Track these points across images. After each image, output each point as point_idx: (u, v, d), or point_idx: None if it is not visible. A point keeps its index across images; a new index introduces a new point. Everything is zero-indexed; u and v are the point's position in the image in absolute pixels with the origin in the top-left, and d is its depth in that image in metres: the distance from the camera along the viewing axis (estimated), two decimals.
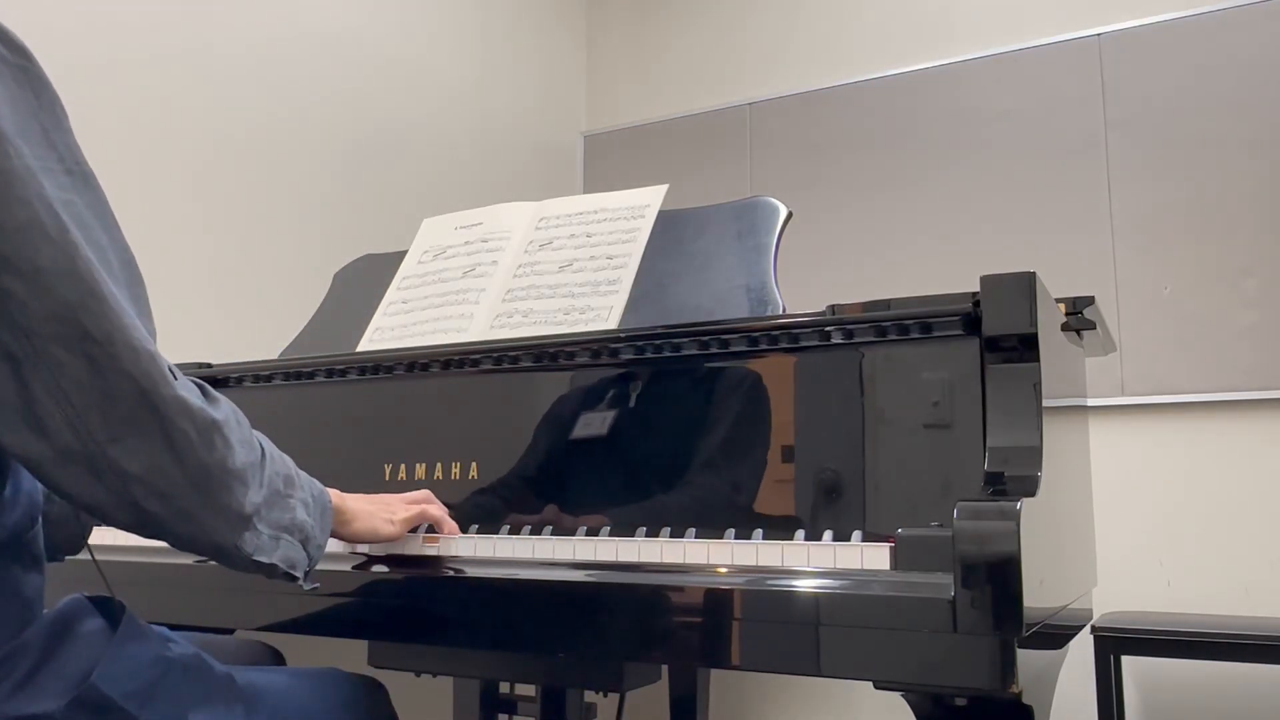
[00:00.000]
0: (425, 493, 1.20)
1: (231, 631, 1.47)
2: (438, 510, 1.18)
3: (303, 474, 0.96)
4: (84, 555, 1.12)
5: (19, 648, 0.79)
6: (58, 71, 0.80)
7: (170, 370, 0.78)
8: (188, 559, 1.27)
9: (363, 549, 1.19)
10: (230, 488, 0.82)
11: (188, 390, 0.79)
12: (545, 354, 1.33)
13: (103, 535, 1.26)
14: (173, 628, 0.93)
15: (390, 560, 1.17)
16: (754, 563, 0.99)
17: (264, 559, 0.87)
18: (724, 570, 0.99)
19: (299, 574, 0.93)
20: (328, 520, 0.99)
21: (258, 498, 0.85)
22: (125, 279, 0.78)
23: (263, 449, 0.88)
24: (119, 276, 0.77)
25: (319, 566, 0.95)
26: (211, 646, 0.97)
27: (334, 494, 1.05)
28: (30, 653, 0.79)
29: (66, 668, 0.79)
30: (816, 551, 0.98)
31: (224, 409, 0.82)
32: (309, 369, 1.52)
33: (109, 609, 0.86)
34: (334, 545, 1.21)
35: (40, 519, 0.85)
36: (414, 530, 1.22)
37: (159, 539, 0.83)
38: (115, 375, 0.74)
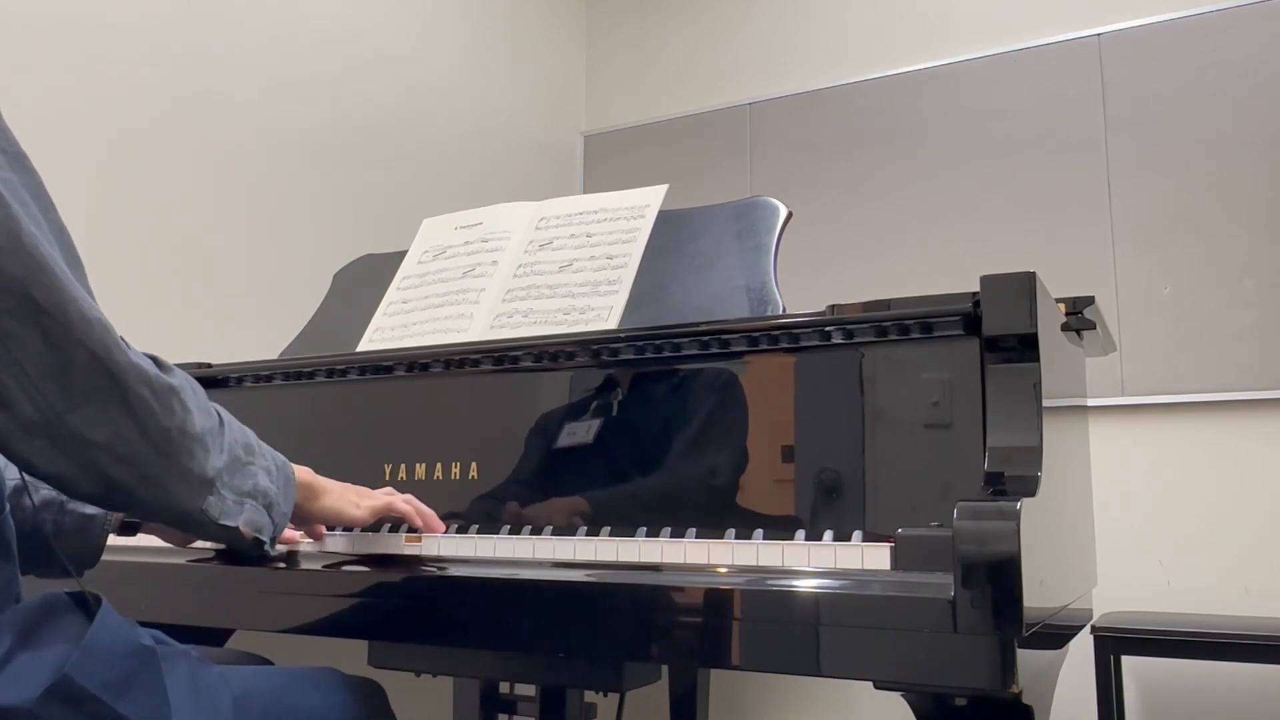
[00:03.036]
0: (388, 489, 1.20)
1: (229, 633, 1.47)
2: (404, 504, 1.17)
3: (265, 445, 0.97)
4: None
5: None
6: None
7: (122, 340, 0.78)
8: (185, 558, 1.27)
9: (345, 549, 1.20)
10: (192, 452, 0.83)
11: (141, 358, 0.80)
12: (545, 354, 1.33)
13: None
14: (171, 628, 0.93)
15: (387, 560, 1.17)
16: (754, 563, 0.99)
17: (229, 523, 0.88)
18: (724, 570, 0.99)
19: (265, 538, 0.93)
20: (291, 490, 1.00)
21: (219, 462, 0.86)
22: (66, 260, 0.78)
23: (220, 417, 0.89)
24: (59, 255, 0.77)
25: (309, 566, 0.94)
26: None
27: (305, 470, 1.06)
28: (1, 642, 0.77)
29: (39, 658, 0.77)
30: (817, 551, 0.98)
31: (179, 376, 0.83)
32: (309, 369, 1.52)
33: (85, 602, 0.85)
34: (329, 545, 1.21)
35: (7, 508, 0.85)
36: (395, 529, 1.22)
37: (126, 510, 0.84)
38: (70, 345, 0.74)
